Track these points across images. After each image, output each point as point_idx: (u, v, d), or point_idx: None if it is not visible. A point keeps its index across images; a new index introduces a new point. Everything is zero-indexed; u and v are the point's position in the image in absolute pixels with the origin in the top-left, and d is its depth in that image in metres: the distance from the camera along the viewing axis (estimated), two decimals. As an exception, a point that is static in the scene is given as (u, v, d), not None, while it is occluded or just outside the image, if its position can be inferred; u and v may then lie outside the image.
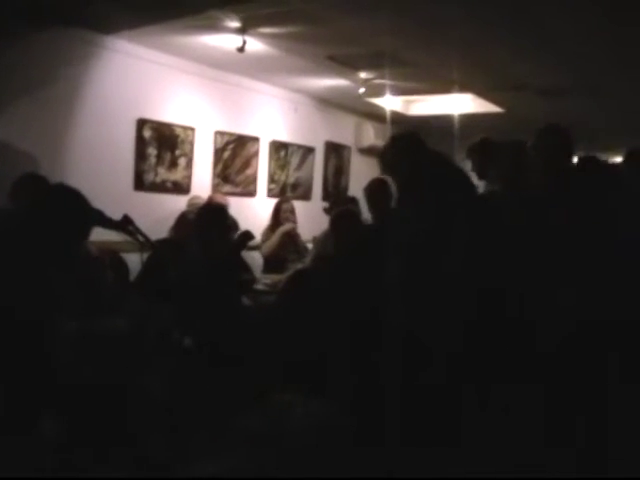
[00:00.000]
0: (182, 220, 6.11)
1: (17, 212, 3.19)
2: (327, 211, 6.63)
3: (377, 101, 8.32)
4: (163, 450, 3.42)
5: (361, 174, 8.88)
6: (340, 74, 7.06)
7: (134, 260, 4.96)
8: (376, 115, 9.16)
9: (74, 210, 3.10)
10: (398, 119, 8.94)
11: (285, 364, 4.19)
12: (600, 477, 2.79)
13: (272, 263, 6.79)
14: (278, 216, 7.10)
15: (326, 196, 9.25)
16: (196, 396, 3.95)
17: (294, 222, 7.12)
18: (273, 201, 7.69)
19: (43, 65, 5.41)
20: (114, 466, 3.03)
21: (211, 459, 3.48)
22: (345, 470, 3.18)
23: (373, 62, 6.43)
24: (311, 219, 7.62)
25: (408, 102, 8.90)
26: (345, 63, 6.59)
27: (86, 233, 3.24)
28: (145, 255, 4.45)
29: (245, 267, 5.42)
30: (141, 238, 3.35)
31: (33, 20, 5.14)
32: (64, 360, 2.96)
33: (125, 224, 3.30)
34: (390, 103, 8.29)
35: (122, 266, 4.98)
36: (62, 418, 2.91)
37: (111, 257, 4.74)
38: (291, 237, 7.03)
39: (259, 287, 5.78)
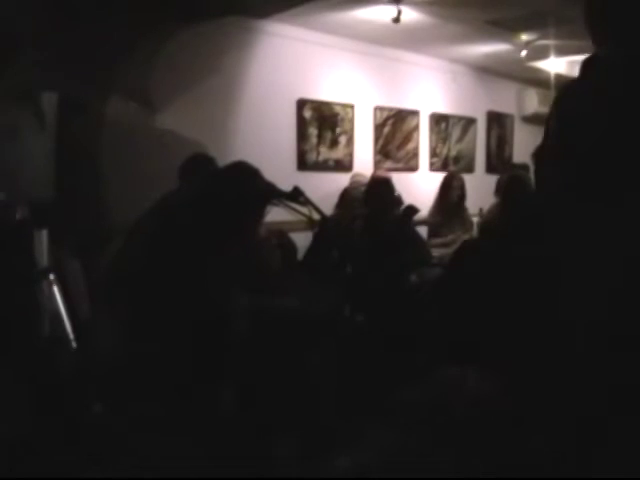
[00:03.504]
0: (345, 197, 6.10)
1: (192, 192, 3.24)
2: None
3: (540, 64, 7.96)
4: (331, 422, 3.43)
5: (526, 143, 8.56)
6: (500, 38, 6.80)
7: (301, 239, 5.04)
8: (539, 80, 8.77)
9: (252, 189, 3.12)
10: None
11: (452, 338, 4.09)
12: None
13: (439, 237, 6.68)
14: (446, 192, 6.94)
15: (489, 168, 9.00)
16: (365, 371, 3.93)
17: (462, 196, 6.93)
18: (435, 175, 7.60)
19: (204, 55, 5.58)
20: (279, 438, 3.07)
21: (377, 433, 3.46)
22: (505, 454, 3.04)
23: (535, 22, 6.14)
24: (475, 192, 7.41)
25: (573, 63, 8.44)
26: (505, 26, 6.34)
27: (263, 211, 3.25)
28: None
29: (418, 241, 5.33)
30: (312, 210, 3.35)
31: (191, 12, 5.28)
32: (238, 335, 3.01)
33: (296, 195, 3.31)
34: (554, 66, 7.90)
35: (290, 246, 5.02)
36: (236, 389, 2.96)
37: (279, 237, 4.78)
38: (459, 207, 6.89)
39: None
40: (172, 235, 2.91)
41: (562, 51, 7.32)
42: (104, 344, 3.18)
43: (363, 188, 5.87)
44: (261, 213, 3.19)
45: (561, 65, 8.19)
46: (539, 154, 3.12)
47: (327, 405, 3.53)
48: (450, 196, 6.86)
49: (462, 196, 6.91)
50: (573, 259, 3.18)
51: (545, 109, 8.94)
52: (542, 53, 7.29)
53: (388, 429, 3.56)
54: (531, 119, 9.43)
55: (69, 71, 4.28)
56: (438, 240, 6.47)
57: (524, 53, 7.09)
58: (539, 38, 6.73)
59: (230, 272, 3.00)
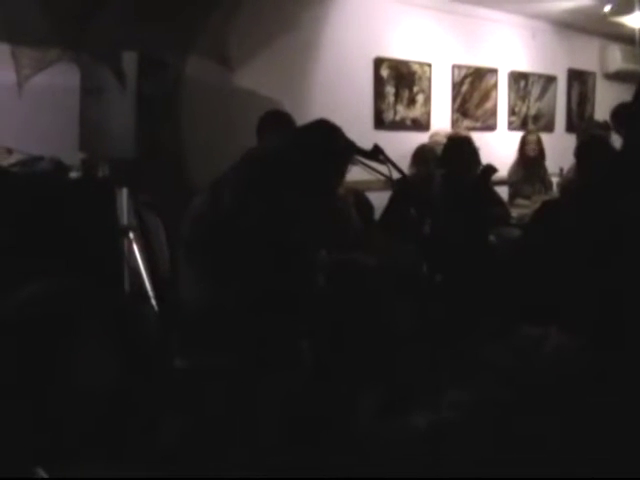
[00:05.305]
0: (420, 154, 6.03)
1: (275, 149, 3.26)
2: None
3: (624, 19, 7.67)
4: (408, 380, 3.43)
5: (608, 101, 8.30)
6: (583, -8, 6.59)
7: (375, 199, 5.02)
8: (623, 36, 8.46)
9: (335, 146, 3.12)
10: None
11: (531, 298, 4.04)
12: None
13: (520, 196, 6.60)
14: (523, 150, 6.83)
15: (570, 127, 8.78)
16: (444, 328, 3.91)
17: (540, 154, 6.80)
18: (514, 134, 7.50)
19: (282, 13, 5.58)
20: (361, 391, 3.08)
21: (456, 389, 3.45)
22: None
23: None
24: (555, 151, 7.26)
25: (660, 17, 8.13)
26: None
27: (345, 169, 3.25)
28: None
29: (497, 200, 5.26)
30: (391, 168, 3.32)
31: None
32: (318, 290, 3.03)
33: (376, 153, 3.28)
34: (640, 20, 7.62)
35: (366, 205, 5.00)
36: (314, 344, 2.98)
37: (355, 196, 4.77)
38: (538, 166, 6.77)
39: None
40: (256, 191, 2.93)
41: (650, 4, 7.04)
42: (185, 299, 3.23)
43: (440, 147, 5.81)
44: (343, 170, 3.20)
45: (646, 19, 7.90)
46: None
47: (405, 363, 3.53)
48: (526, 152, 6.78)
49: (540, 154, 6.80)
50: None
51: (629, 66, 8.64)
52: (627, 7, 7.03)
53: (466, 388, 3.55)
54: (614, 76, 9.13)
55: (149, 30, 4.31)
56: (522, 201, 6.39)
57: (608, 7, 6.85)
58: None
59: (311, 228, 3.02)
